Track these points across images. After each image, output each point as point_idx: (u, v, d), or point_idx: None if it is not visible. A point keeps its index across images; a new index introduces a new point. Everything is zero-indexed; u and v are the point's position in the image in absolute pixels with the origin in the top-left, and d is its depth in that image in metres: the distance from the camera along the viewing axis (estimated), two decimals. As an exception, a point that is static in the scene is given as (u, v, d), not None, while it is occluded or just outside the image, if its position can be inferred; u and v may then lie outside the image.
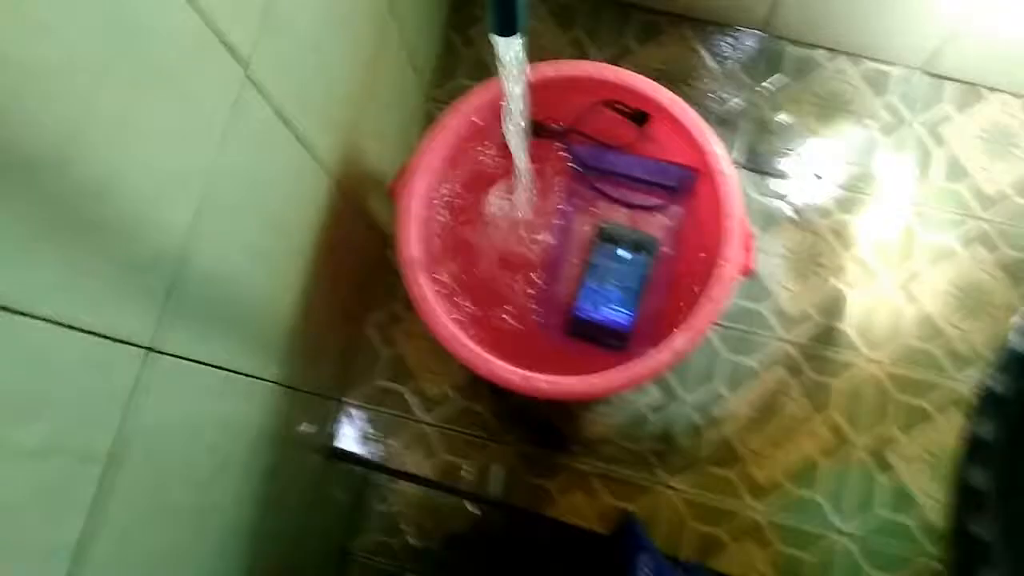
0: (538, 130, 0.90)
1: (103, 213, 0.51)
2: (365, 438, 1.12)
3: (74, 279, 0.50)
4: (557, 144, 0.93)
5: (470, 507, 1.22)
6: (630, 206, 0.95)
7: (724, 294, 0.79)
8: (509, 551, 1.23)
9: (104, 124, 0.49)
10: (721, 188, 0.81)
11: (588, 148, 0.94)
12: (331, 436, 1.11)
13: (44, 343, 0.48)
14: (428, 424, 1.12)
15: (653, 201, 0.94)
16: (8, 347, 0.45)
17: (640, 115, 0.86)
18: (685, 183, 0.92)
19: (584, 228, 0.96)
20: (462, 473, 1.11)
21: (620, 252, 0.94)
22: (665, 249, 0.94)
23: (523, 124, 0.73)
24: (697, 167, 0.88)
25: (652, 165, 0.93)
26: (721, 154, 0.82)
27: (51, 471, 0.51)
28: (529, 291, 0.96)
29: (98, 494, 0.57)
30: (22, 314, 0.45)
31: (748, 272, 0.83)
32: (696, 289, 0.82)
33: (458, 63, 1.20)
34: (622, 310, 0.92)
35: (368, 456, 1.12)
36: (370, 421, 1.13)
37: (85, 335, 0.52)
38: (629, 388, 0.81)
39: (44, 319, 0.47)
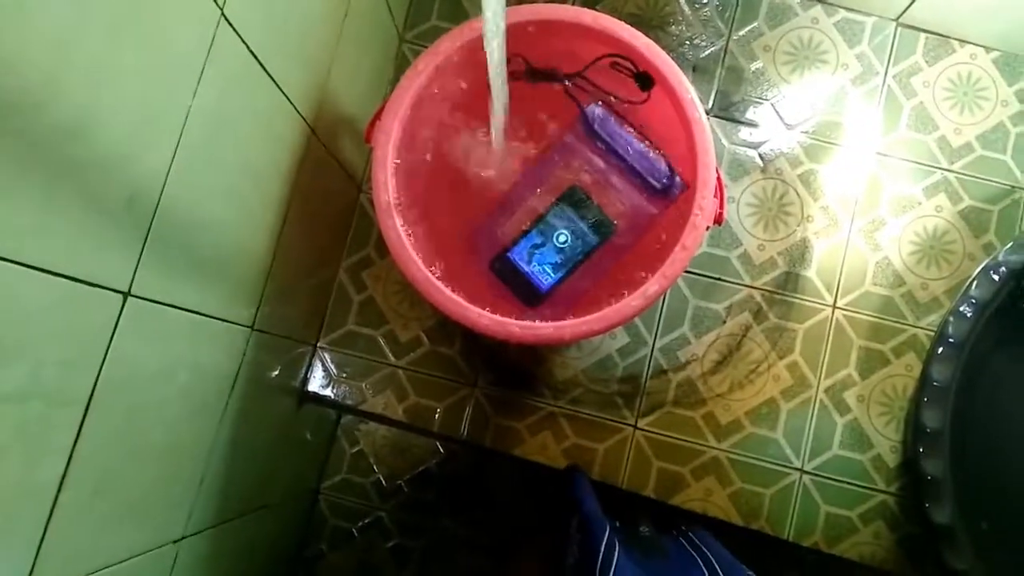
0: (536, 74, 0.89)
1: (78, 156, 0.51)
2: (337, 381, 1.13)
3: (50, 223, 0.49)
4: (567, 95, 0.92)
5: (440, 448, 1.25)
6: (609, 184, 0.96)
7: (696, 242, 0.81)
8: (478, 490, 1.26)
9: (79, 65, 0.49)
10: (695, 137, 0.82)
11: (603, 112, 0.93)
12: (304, 380, 1.12)
13: (20, 287, 0.48)
14: (400, 367, 1.14)
15: (631, 191, 0.95)
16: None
17: (646, 78, 0.85)
18: (669, 190, 0.92)
19: (556, 182, 0.96)
20: (434, 416, 1.12)
21: (576, 221, 0.95)
22: (618, 240, 0.95)
23: (501, 65, 0.73)
24: (685, 176, 0.88)
25: (649, 159, 0.92)
26: (696, 102, 0.83)
27: (30, 414, 0.52)
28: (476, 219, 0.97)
29: (77, 436, 0.57)
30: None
31: (720, 220, 0.84)
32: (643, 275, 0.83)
33: (432, 4, 1.18)
34: (549, 273, 0.94)
35: (340, 399, 1.13)
36: (343, 365, 1.14)
37: (62, 279, 0.52)
38: (600, 334, 0.82)
39: (20, 263, 0.47)
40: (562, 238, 0.94)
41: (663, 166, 0.92)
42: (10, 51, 0.43)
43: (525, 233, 0.95)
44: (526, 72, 0.88)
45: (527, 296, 0.94)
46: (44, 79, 0.46)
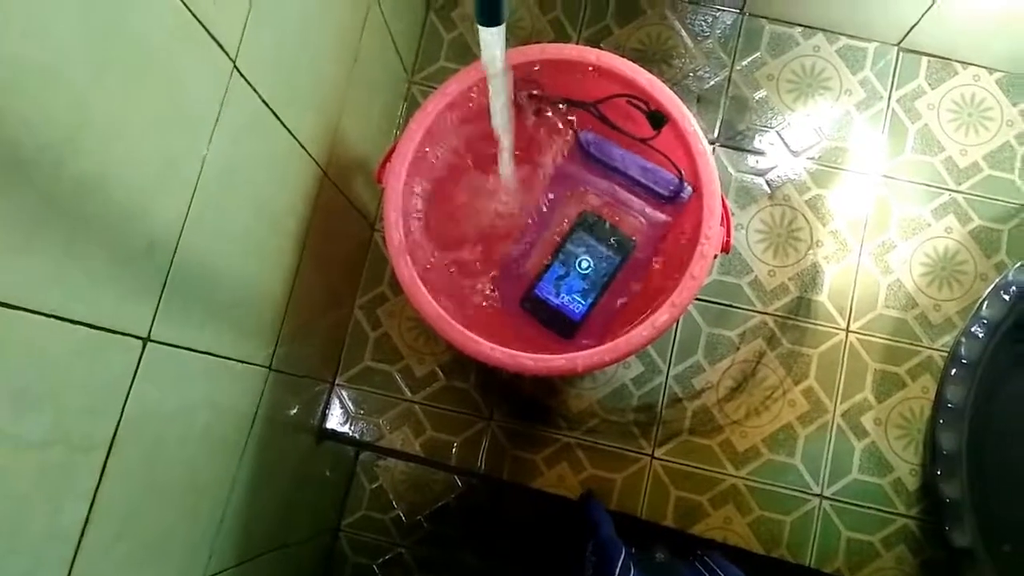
0: (542, 102, 0.91)
1: (98, 207, 0.53)
2: (355, 418, 1.14)
3: (71, 273, 0.51)
4: (563, 126, 0.94)
5: (459, 482, 1.25)
6: (618, 202, 0.97)
7: (705, 271, 0.82)
8: (497, 523, 1.26)
9: (98, 121, 0.51)
10: (700, 168, 0.83)
11: (595, 136, 0.95)
12: (322, 417, 1.13)
13: (43, 337, 0.49)
14: (417, 402, 1.15)
15: (641, 204, 0.96)
16: (5, 342, 0.46)
17: (658, 117, 0.86)
18: (678, 195, 0.93)
19: (567, 212, 0.98)
20: (451, 450, 1.13)
21: (595, 244, 0.95)
22: (639, 254, 0.96)
23: (506, 107, 0.74)
24: (690, 174, 0.89)
25: (650, 170, 0.93)
26: (699, 134, 0.84)
27: (53, 460, 0.53)
28: (496, 263, 0.98)
29: (99, 480, 0.59)
30: (20, 308, 0.47)
31: (727, 249, 0.85)
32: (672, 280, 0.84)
33: (440, 46, 1.21)
34: (579, 301, 0.95)
35: (358, 436, 1.14)
36: (360, 401, 1.15)
37: (83, 328, 0.53)
38: (611, 364, 0.83)
39: (42, 313, 0.49)
40: (584, 264, 0.95)
41: (667, 174, 0.93)
42: (32, 111, 0.45)
43: (547, 267, 0.96)
44: (532, 100, 0.90)
45: (562, 328, 0.94)
46: (64, 136, 0.48)
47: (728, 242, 0.85)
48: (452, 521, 1.26)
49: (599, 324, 0.94)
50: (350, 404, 1.15)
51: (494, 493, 1.24)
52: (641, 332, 0.80)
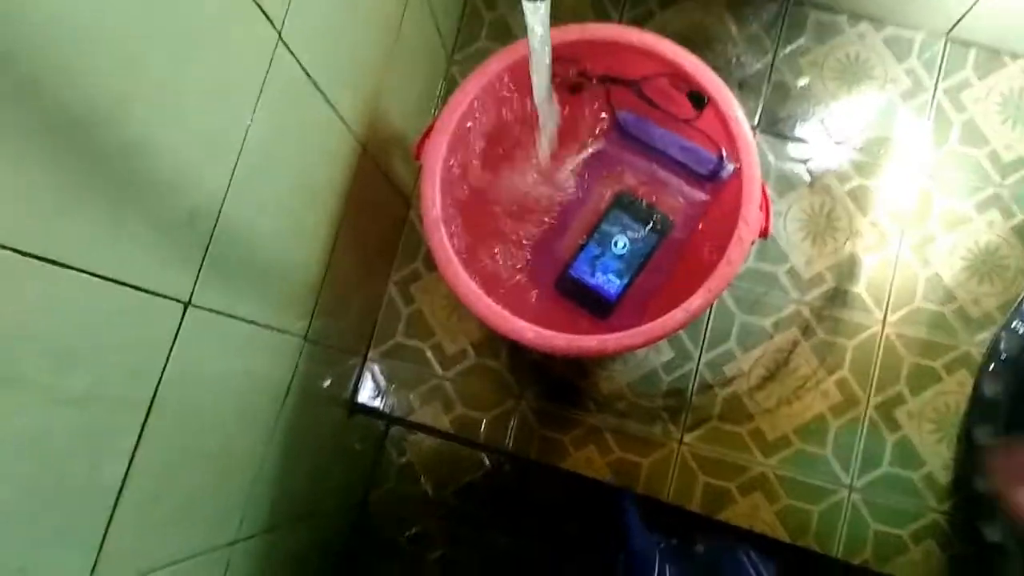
0: (578, 85, 0.90)
1: (146, 171, 0.54)
2: (386, 393, 1.16)
3: (117, 234, 0.52)
4: (601, 104, 0.94)
5: (486, 459, 1.26)
6: (656, 181, 0.96)
7: (741, 256, 0.81)
8: (523, 502, 1.26)
9: (147, 85, 0.52)
10: (741, 152, 0.82)
11: (633, 115, 0.95)
12: (354, 390, 1.14)
13: (87, 296, 0.51)
14: (447, 379, 1.16)
15: (679, 183, 0.95)
16: (52, 299, 0.47)
17: (700, 97, 0.86)
18: (718, 173, 0.92)
19: (604, 191, 0.98)
20: (480, 427, 1.14)
21: (631, 224, 0.95)
22: (677, 234, 0.96)
23: (547, 85, 0.74)
24: (732, 157, 0.88)
25: (689, 149, 0.93)
26: (742, 119, 0.84)
27: (93, 418, 0.54)
28: (531, 243, 0.98)
29: (138, 440, 0.60)
30: (67, 267, 0.48)
31: (766, 234, 0.84)
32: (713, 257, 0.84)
33: (481, 26, 1.21)
34: (615, 281, 0.94)
35: (389, 410, 1.15)
36: (391, 376, 1.16)
37: (128, 289, 0.55)
38: (643, 347, 0.83)
39: (88, 272, 0.50)
40: (620, 244, 0.95)
41: (706, 153, 0.92)
42: (84, 68, 0.46)
43: (583, 247, 0.96)
44: (575, 78, 0.90)
45: (597, 308, 0.95)
46: (114, 97, 0.49)
47: (767, 227, 0.84)
48: (479, 498, 1.27)
49: (635, 304, 0.94)
50: (381, 378, 1.16)
51: (521, 472, 1.25)
52: (675, 316, 0.80)
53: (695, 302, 0.80)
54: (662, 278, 0.96)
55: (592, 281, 0.94)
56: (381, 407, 1.15)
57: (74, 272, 0.49)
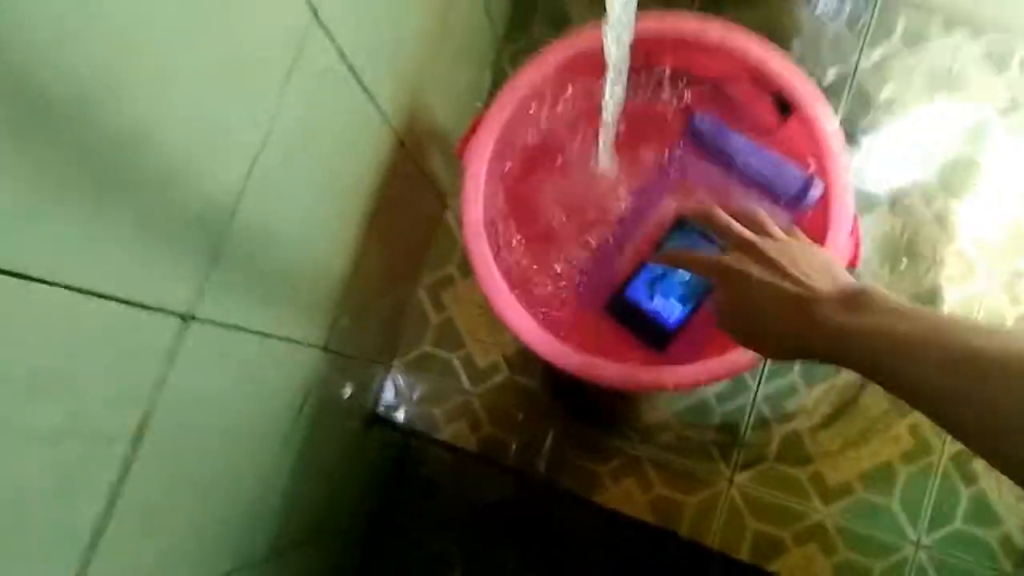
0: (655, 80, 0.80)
1: (140, 165, 0.44)
2: (409, 405, 1.07)
3: (103, 240, 0.43)
4: (675, 106, 0.83)
5: (513, 483, 1.17)
6: (732, 197, 0.85)
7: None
8: (549, 532, 1.18)
9: (148, 62, 0.42)
10: (832, 173, 0.72)
11: (710, 120, 0.84)
12: (374, 401, 1.05)
13: (65, 313, 0.42)
14: (475, 395, 1.06)
15: (759, 201, 0.84)
16: (23, 319, 0.39)
17: (786, 104, 0.75)
18: (804, 194, 0.81)
19: (669, 205, 0.87)
20: (508, 449, 1.05)
21: (699, 243, 0.84)
22: None
23: (618, 81, 0.64)
24: (820, 174, 0.78)
25: (774, 165, 0.81)
26: (838, 134, 0.73)
27: (68, 453, 0.45)
28: (580, 258, 0.88)
29: (120, 474, 0.51)
30: (40, 281, 0.39)
31: (855, 264, 0.74)
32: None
33: (534, 15, 1.11)
34: (676, 307, 0.84)
35: (410, 424, 1.06)
36: (415, 388, 1.07)
37: (114, 303, 0.46)
38: (705, 385, 0.74)
39: (66, 286, 0.41)
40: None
41: (793, 170, 0.81)
42: (64, 48, 0.36)
43: (642, 267, 0.85)
44: (643, 74, 0.80)
45: (653, 337, 0.84)
46: (104, 78, 0.39)
47: (856, 257, 0.74)
48: (501, 523, 1.19)
49: (698, 335, 0.84)
50: (405, 390, 1.07)
51: (549, 500, 1.16)
52: (745, 353, 0.70)
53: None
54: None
55: (649, 307, 0.84)
56: (403, 420, 1.06)
57: (48, 287, 0.40)
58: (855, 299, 0.50)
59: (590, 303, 0.87)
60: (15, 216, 0.36)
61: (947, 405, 0.43)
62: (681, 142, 0.86)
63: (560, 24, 1.10)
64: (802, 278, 0.53)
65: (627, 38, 0.58)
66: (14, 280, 0.37)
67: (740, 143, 0.83)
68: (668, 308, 0.84)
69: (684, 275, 0.84)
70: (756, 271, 0.55)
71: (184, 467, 0.60)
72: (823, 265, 0.55)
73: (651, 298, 0.84)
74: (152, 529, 0.57)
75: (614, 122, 0.71)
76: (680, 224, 0.86)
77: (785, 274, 0.54)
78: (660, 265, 0.84)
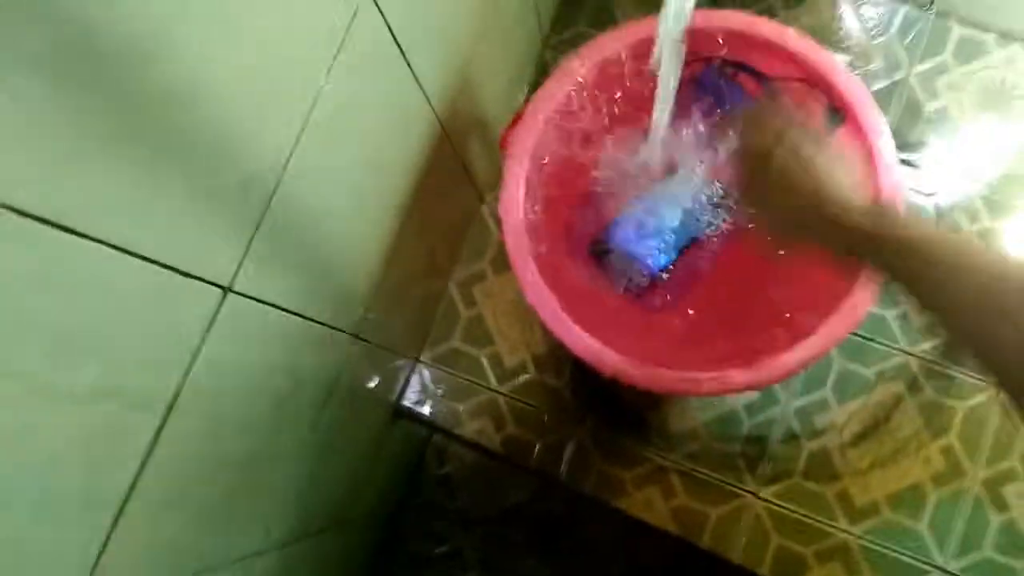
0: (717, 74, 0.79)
1: (189, 127, 0.44)
2: (434, 400, 1.06)
3: (148, 199, 0.42)
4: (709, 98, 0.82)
5: (534, 485, 1.16)
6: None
7: (869, 301, 0.69)
8: (569, 535, 1.16)
9: (199, 17, 0.42)
10: (883, 186, 0.70)
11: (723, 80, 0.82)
12: (400, 394, 1.05)
13: (104, 272, 0.41)
14: (502, 393, 1.05)
15: None
16: (61, 273, 0.38)
17: (836, 112, 0.74)
18: None
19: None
20: (532, 450, 1.03)
21: (692, 200, 0.82)
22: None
23: (673, 76, 0.63)
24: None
25: None
26: (892, 148, 0.71)
27: (101, 417, 0.44)
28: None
29: (152, 443, 0.50)
30: (80, 235, 0.38)
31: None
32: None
33: (580, 9, 1.10)
34: (662, 255, 0.82)
35: (435, 419, 1.05)
36: (441, 383, 1.06)
37: (155, 267, 0.45)
38: (738, 392, 0.72)
39: (107, 243, 0.40)
40: (676, 217, 0.82)
41: None
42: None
43: (630, 213, 0.84)
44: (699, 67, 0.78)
45: (633, 278, 0.83)
46: (155, 27, 0.39)
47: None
48: (521, 525, 1.17)
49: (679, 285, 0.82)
50: (431, 384, 1.06)
51: (571, 505, 1.14)
52: (788, 359, 0.68)
53: (812, 347, 0.68)
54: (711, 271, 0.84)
55: (635, 249, 0.82)
56: (427, 415, 1.05)
57: (88, 242, 0.39)
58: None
59: (641, 302, 0.85)
60: (56, 163, 0.35)
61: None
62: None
63: (604, 23, 1.09)
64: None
65: (682, 23, 0.56)
66: (56, 232, 0.37)
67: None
68: (653, 253, 0.82)
69: (673, 221, 0.82)
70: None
71: (213, 441, 0.59)
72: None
73: (637, 241, 0.82)
74: (177, 502, 0.56)
75: (664, 114, 0.70)
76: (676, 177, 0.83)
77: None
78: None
